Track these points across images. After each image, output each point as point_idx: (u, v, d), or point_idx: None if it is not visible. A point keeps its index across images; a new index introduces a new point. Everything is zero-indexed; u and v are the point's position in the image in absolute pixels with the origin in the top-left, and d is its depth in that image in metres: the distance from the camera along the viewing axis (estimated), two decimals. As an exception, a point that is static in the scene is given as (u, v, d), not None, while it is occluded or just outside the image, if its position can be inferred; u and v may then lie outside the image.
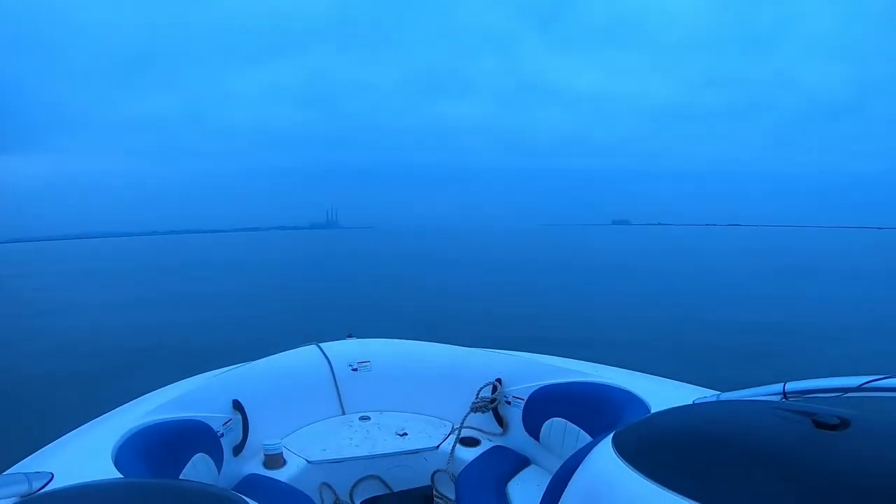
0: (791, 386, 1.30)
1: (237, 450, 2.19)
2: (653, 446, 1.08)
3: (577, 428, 1.99)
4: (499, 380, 2.46)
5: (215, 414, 2.10)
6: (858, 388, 1.15)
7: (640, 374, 2.15)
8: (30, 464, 1.39)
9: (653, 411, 1.61)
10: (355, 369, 2.77)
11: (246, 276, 21.90)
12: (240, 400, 2.27)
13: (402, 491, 2.24)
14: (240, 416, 2.24)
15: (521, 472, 2.16)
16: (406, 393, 2.74)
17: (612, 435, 1.18)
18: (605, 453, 1.12)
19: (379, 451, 2.33)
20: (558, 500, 1.21)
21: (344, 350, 2.82)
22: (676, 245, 47.34)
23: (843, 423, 0.95)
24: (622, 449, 1.09)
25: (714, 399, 1.55)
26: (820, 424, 0.96)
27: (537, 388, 2.28)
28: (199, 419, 1.97)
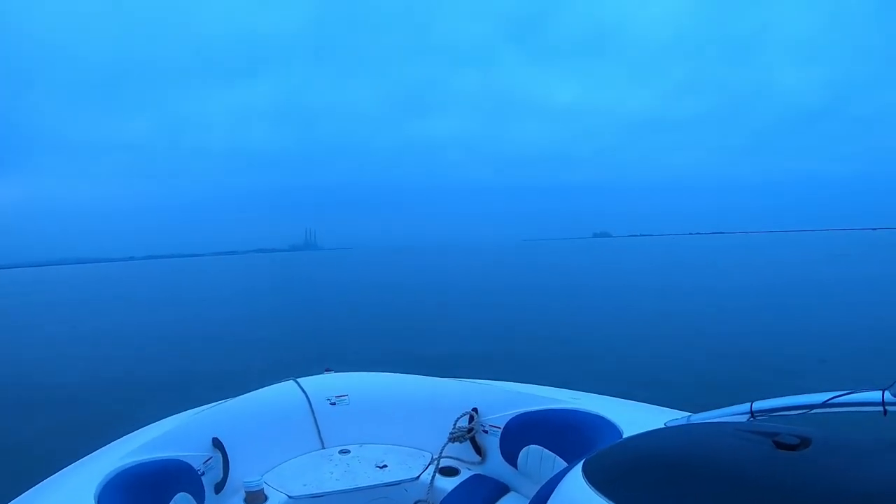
0: (758, 405, 1.34)
1: (218, 487, 2.17)
2: (621, 473, 1.10)
3: (553, 454, 2.03)
4: (475, 409, 2.49)
5: (195, 452, 2.09)
6: (824, 405, 1.18)
7: (614, 399, 2.21)
8: None
9: (625, 436, 1.67)
10: (333, 403, 2.77)
11: (221, 306, 21.34)
12: (219, 438, 2.27)
13: None
14: (220, 454, 2.23)
15: (500, 500, 2.18)
16: (385, 425, 2.75)
17: (582, 462, 1.22)
18: (575, 480, 1.15)
19: (360, 483, 2.33)
20: None
21: (321, 384, 2.83)
22: (658, 257, 47.41)
23: (804, 443, 0.97)
24: (591, 476, 1.12)
25: (684, 421, 1.59)
26: (780, 445, 0.97)
27: (513, 416, 2.32)
28: (179, 458, 1.96)
